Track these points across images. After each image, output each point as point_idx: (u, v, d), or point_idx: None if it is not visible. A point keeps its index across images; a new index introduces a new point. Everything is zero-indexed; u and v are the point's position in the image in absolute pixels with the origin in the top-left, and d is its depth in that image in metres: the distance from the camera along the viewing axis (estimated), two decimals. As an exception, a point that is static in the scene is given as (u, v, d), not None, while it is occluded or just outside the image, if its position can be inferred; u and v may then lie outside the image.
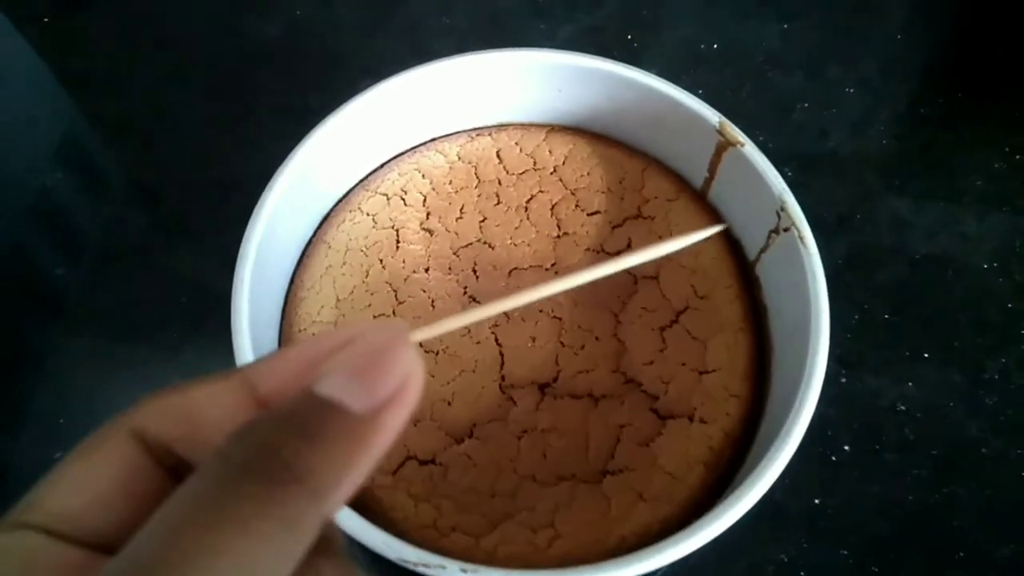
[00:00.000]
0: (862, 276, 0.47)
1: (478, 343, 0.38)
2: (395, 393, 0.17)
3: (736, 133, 0.37)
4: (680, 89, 0.38)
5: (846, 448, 0.42)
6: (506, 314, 0.38)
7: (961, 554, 0.40)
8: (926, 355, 0.45)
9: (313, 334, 0.37)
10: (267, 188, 0.35)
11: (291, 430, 0.16)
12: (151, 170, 0.51)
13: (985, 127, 0.52)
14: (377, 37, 0.56)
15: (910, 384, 0.44)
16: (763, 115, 0.52)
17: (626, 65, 0.39)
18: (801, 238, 0.35)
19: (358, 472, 0.16)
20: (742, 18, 0.55)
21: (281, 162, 0.36)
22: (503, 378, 0.37)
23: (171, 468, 0.17)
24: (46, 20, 0.57)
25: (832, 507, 0.41)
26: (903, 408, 0.43)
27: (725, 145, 0.37)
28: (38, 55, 0.56)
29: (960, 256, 0.47)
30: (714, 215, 0.41)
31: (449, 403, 0.36)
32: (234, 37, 0.56)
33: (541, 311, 0.38)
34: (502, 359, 0.37)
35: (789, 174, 0.43)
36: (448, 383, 0.37)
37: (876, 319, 0.45)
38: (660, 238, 0.40)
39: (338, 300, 0.38)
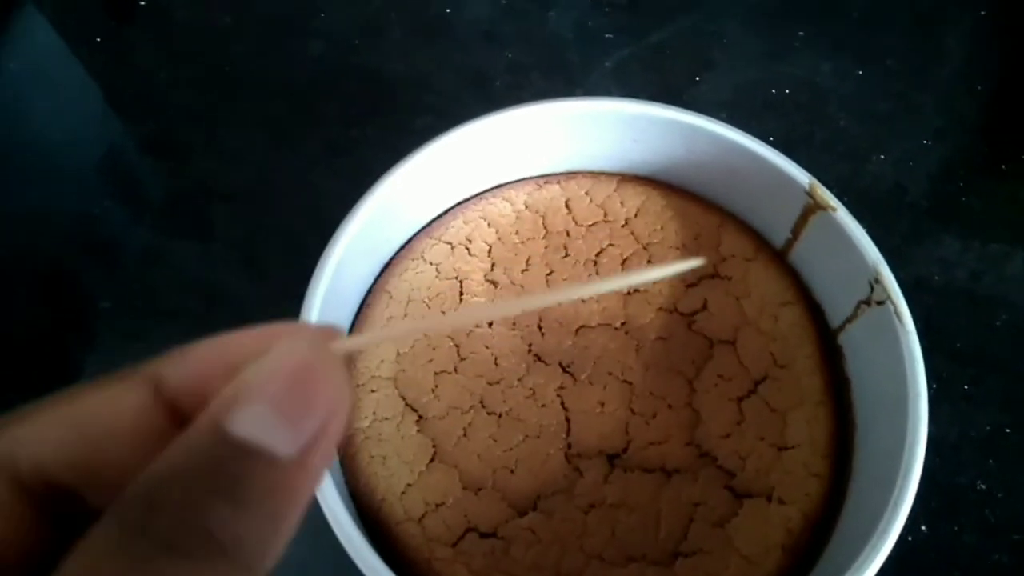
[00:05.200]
0: (939, 342, 0.44)
1: (543, 406, 0.36)
2: (322, 427, 0.14)
3: (828, 197, 0.35)
4: (767, 146, 0.36)
5: (923, 528, 0.39)
6: (572, 376, 0.36)
7: (1048, 651, 0.37)
8: (1008, 430, 0.42)
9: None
10: (334, 237, 0.33)
11: (214, 489, 0.13)
12: (198, 193, 0.50)
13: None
14: (425, 63, 0.54)
15: (991, 461, 0.41)
16: (836, 165, 0.50)
17: (707, 118, 0.37)
18: (898, 314, 0.33)
19: (287, 534, 0.13)
20: (816, 62, 0.53)
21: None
22: (569, 446, 0.35)
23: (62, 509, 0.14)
24: (99, 40, 0.56)
25: (909, 593, 0.38)
26: (983, 487, 0.41)
27: (814, 208, 0.35)
28: (88, 75, 0.55)
29: (1045, 324, 0.45)
30: (795, 278, 0.38)
31: (512, 471, 0.34)
32: (284, 61, 0.54)
33: (610, 374, 0.36)
34: (568, 425, 0.35)
35: (865, 230, 0.40)
36: (511, 449, 0.35)
37: (955, 390, 0.43)
38: (737, 300, 0.38)
39: (399, 354, 0.36)
